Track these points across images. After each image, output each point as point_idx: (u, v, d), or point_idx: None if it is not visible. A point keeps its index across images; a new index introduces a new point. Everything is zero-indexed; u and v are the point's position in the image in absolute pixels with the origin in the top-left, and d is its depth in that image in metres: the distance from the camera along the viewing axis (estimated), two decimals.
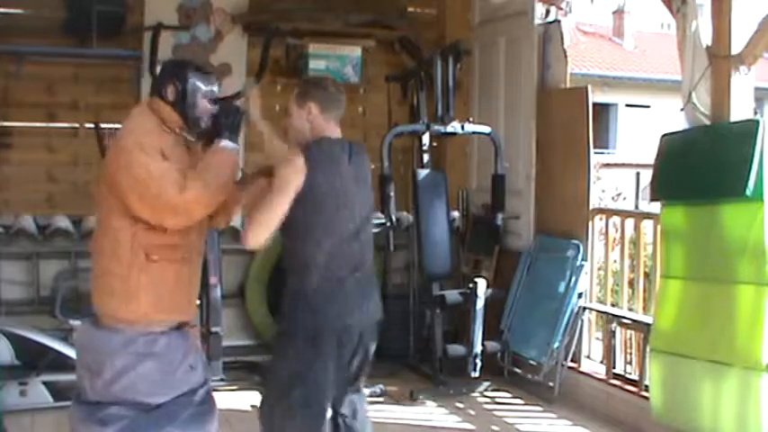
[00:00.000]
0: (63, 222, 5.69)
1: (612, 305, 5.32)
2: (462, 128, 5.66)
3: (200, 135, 2.82)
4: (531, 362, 5.41)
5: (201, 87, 2.79)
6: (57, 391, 4.68)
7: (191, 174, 2.64)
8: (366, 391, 5.19)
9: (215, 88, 2.85)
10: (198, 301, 3.00)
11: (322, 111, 3.18)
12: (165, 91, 2.76)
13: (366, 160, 3.36)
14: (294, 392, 2.98)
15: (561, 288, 5.26)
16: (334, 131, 3.23)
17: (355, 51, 6.35)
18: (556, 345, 5.18)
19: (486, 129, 5.74)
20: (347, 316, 3.09)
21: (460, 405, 5.17)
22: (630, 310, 5.05)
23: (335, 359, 3.05)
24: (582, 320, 5.24)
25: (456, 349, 5.31)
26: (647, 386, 4.55)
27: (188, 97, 2.76)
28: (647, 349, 4.49)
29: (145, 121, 2.76)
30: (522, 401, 5.26)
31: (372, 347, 3.30)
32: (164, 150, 2.67)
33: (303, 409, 2.99)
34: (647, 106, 20.55)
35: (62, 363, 4.61)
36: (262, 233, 2.94)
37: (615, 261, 5.64)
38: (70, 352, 4.56)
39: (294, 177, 2.94)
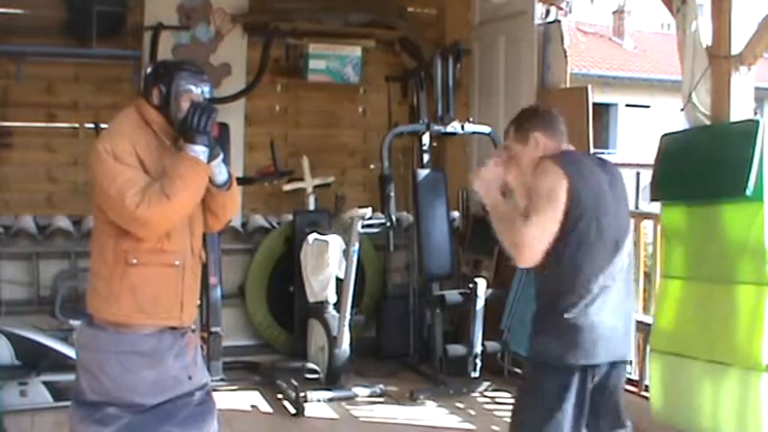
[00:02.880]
0: (63, 222, 5.69)
1: None
2: (462, 128, 5.66)
3: (174, 138, 2.72)
4: None
5: (188, 90, 2.71)
6: (57, 391, 4.68)
7: (152, 188, 2.57)
8: (366, 391, 5.24)
9: (205, 89, 2.76)
10: (198, 302, 2.96)
11: (550, 136, 3.04)
12: (151, 93, 2.73)
13: None
14: None
15: None
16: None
17: (355, 51, 6.35)
18: None
19: (486, 129, 5.74)
20: None
21: (460, 405, 5.17)
22: None
23: None
24: None
25: (456, 349, 5.31)
26: (647, 386, 4.55)
27: (172, 100, 2.70)
28: (647, 349, 4.49)
29: (127, 122, 2.72)
30: None
31: None
32: (139, 154, 2.63)
33: None
34: (647, 106, 20.56)
35: (62, 363, 4.61)
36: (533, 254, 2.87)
37: None
38: (70, 352, 4.56)
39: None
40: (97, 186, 2.63)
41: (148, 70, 2.89)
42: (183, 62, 2.89)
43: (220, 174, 2.78)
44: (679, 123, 4.45)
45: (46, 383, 4.72)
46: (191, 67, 2.80)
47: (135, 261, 2.64)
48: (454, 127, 5.63)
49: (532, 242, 2.83)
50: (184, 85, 2.71)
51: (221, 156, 2.77)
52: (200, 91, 2.74)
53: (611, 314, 2.86)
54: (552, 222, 2.78)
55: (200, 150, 2.65)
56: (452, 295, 5.41)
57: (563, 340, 2.83)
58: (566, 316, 2.84)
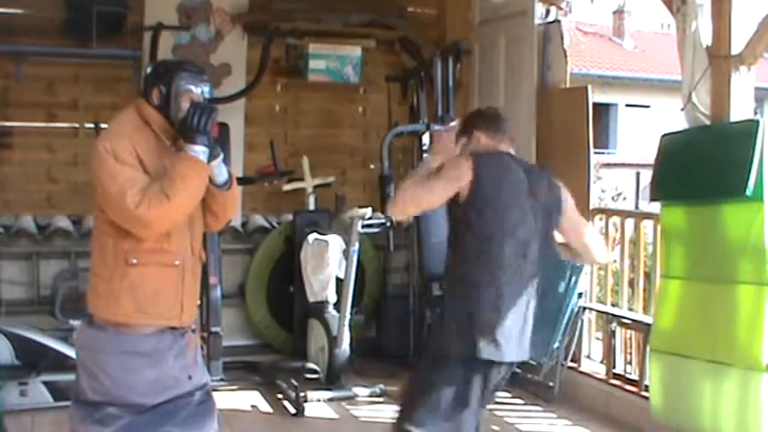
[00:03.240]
0: (63, 222, 5.69)
1: (612, 305, 5.32)
2: None
3: (174, 138, 2.71)
4: (531, 362, 5.39)
5: (187, 89, 2.70)
6: (57, 391, 4.68)
7: (152, 187, 2.56)
8: (366, 391, 5.24)
9: (205, 89, 2.74)
10: (198, 302, 2.95)
11: (491, 136, 3.25)
12: (151, 93, 2.72)
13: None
14: None
15: (561, 288, 5.25)
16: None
17: (355, 51, 6.35)
18: (556, 345, 5.17)
19: None
20: None
21: None
22: (630, 310, 5.05)
23: None
24: (582, 320, 5.24)
25: None
26: (647, 386, 4.55)
27: (172, 100, 2.69)
28: (647, 349, 4.49)
29: (127, 122, 2.72)
30: (521, 401, 5.25)
31: None
32: (140, 154, 2.62)
33: None
34: (647, 106, 20.57)
35: (62, 363, 4.61)
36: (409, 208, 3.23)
37: (615, 261, 5.64)
38: (70, 352, 4.56)
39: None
40: (98, 186, 2.63)
41: (148, 70, 2.87)
42: (184, 62, 2.88)
43: (220, 174, 2.77)
44: (679, 123, 4.45)
45: (46, 383, 4.73)
46: (191, 66, 2.79)
47: (135, 261, 2.64)
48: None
49: (410, 198, 3.12)
50: (184, 84, 2.70)
51: (221, 156, 2.75)
52: (200, 91, 2.72)
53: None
54: (436, 195, 3.08)
55: (200, 150, 2.64)
56: None
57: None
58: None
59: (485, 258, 3.05)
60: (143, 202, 2.54)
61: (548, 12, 5.72)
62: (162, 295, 2.69)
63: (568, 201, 3.29)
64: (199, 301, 2.97)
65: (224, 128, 5.63)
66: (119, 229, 2.62)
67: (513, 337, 3.06)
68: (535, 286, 3.14)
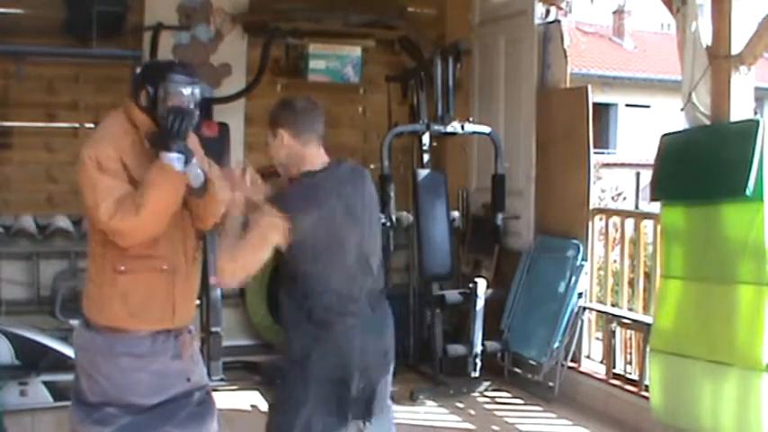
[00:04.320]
0: (63, 222, 5.68)
1: (612, 305, 5.32)
2: (462, 128, 5.66)
3: (152, 143, 2.62)
4: (531, 362, 5.41)
5: (177, 91, 2.63)
6: (57, 391, 4.68)
7: (127, 197, 2.54)
8: None
9: (196, 91, 2.67)
10: (197, 302, 2.94)
11: (294, 136, 2.80)
12: (139, 95, 2.67)
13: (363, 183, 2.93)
14: None
15: (561, 288, 5.26)
16: (317, 156, 2.85)
17: (355, 51, 6.35)
18: (556, 345, 5.18)
19: (486, 129, 5.74)
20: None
21: (460, 405, 5.17)
22: (630, 310, 5.05)
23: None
24: (582, 320, 5.24)
25: (456, 349, 5.31)
26: (647, 386, 4.55)
27: (160, 102, 2.62)
28: (647, 349, 4.49)
29: (114, 126, 2.69)
30: (522, 401, 5.26)
31: None
32: (125, 159, 2.59)
33: None
34: (647, 106, 20.56)
35: (62, 363, 4.61)
36: (239, 276, 2.74)
37: (615, 261, 5.64)
38: (70, 352, 4.53)
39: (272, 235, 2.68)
40: (81, 191, 2.62)
41: (137, 71, 2.80)
42: (173, 63, 2.82)
43: (195, 177, 2.68)
44: (679, 123, 4.45)
45: (46, 383, 4.73)
46: (180, 68, 2.71)
47: (123, 268, 2.63)
48: (454, 127, 5.63)
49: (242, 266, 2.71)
50: (173, 86, 2.63)
51: (194, 160, 2.66)
52: (189, 92, 2.65)
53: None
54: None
55: (174, 157, 2.57)
56: (452, 295, 5.41)
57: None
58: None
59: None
60: (116, 214, 2.52)
61: (548, 12, 5.72)
62: (153, 301, 2.68)
63: None
64: (198, 301, 2.97)
65: (224, 128, 5.65)
66: (105, 236, 2.61)
67: None
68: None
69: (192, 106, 2.65)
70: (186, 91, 2.65)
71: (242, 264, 2.68)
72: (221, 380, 5.31)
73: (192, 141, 2.77)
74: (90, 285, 2.72)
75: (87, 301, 2.72)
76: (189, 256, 2.79)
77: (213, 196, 2.77)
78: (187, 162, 2.61)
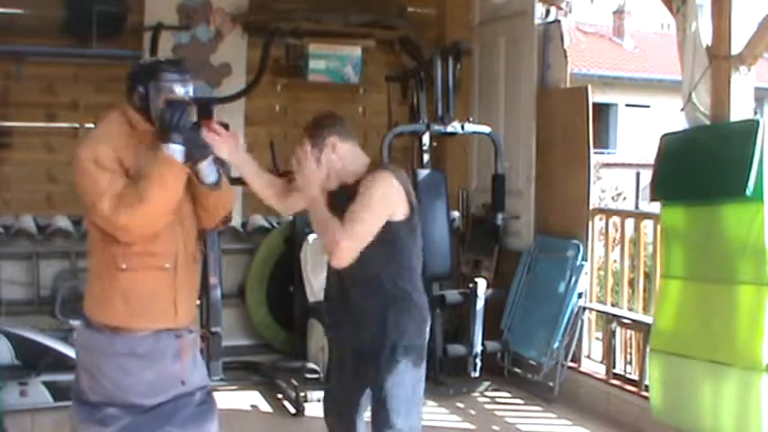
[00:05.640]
0: (63, 222, 5.69)
1: (612, 305, 5.32)
2: (462, 128, 5.66)
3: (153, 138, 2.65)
4: (531, 362, 5.41)
5: (169, 90, 2.64)
6: (57, 391, 4.68)
7: (127, 193, 2.54)
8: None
9: (189, 89, 2.69)
10: (197, 302, 2.95)
11: (343, 139, 3.02)
12: (133, 95, 2.68)
13: None
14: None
15: (561, 288, 5.26)
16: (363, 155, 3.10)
17: (355, 51, 6.36)
18: (556, 345, 5.17)
19: (486, 129, 5.74)
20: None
21: (461, 405, 5.17)
22: (630, 310, 5.05)
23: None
24: (582, 320, 5.24)
25: (456, 349, 5.31)
26: (647, 386, 4.55)
27: (151, 101, 2.64)
28: (647, 349, 4.49)
29: (111, 126, 2.69)
30: (522, 401, 5.26)
31: None
32: (123, 159, 2.60)
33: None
34: (647, 106, 20.56)
35: (62, 363, 4.61)
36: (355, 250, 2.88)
37: (615, 261, 5.64)
38: (70, 352, 4.56)
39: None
40: (79, 189, 2.61)
41: (129, 72, 2.77)
42: (163, 61, 2.80)
43: (210, 174, 2.72)
44: (679, 123, 4.45)
45: (46, 383, 4.72)
46: (171, 66, 2.72)
47: (124, 266, 2.63)
48: (454, 127, 5.63)
49: (356, 243, 2.86)
50: (164, 85, 2.64)
51: (212, 157, 2.70)
52: (182, 91, 2.67)
53: None
54: (377, 225, 2.89)
55: (175, 149, 2.58)
56: (452, 295, 5.41)
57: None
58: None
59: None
60: (118, 208, 2.52)
61: (548, 12, 5.72)
62: (154, 298, 2.68)
63: None
64: (198, 301, 2.97)
65: (224, 128, 5.64)
66: (106, 233, 2.61)
67: None
68: None
69: (186, 97, 2.67)
70: (178, 89, 2.67)
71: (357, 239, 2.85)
72: (221, 380, 5.31)
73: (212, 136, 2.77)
74: (91, 284, 2.71)
75: (89, 299, 2.72)
76: (190, 255, 2.79)
77: (227, 192, 2.83)
78: (201, 157, 2.66)
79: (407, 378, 3.01)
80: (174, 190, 2.60)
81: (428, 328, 3.11)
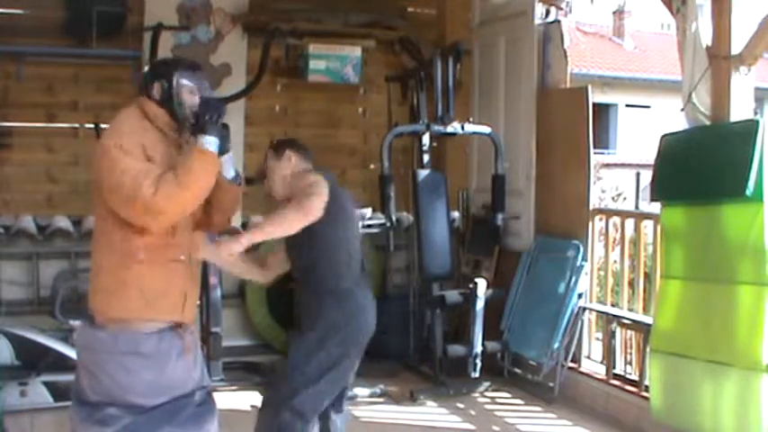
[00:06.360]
0: (63, 222, 5.69)
1: (612, 305, 5.32)
2: (462, 128, 5.66)
3: (185, 131, 2.77)
4: (531, 362, 5.41)
5: (188, 84, 2.76)
6: (57, 391, 4.68)
7: (167, 175, 2.60)
8: (366, 391, 5.24)
9: (204, 84, 2.82)
10: (198, 302, 2.96)
11: (301, 159, 3.48)
12: (152, 89, 2.75)
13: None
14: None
15: (561, 288, 5.26)
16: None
17: (355, 51, 6.35)
18: (556, 345, 5.18)
19: (486, 129, 5.74)
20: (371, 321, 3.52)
21: (461, 405, 5.17)
22: (630, 310, 5.05)
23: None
24: (582, 321, 5.24)
25: (456, 349, 5.31)
26: (647, 386, 4.55)
27: (174, 95, 2.74)
28: (647, 349, 4.49)
29: (130, 120, 2.74)
30: (522, 402, 5.26)
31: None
32: (146, 149, 2.66)
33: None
34: (647, 106, 20.55)
35: (62, 363, 4.61)
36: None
37: (615, 261, 5.64)
38: (70, 352, 4.56)
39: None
40: (107, 181, 2.62)
41: (146, 69, 2.92)
42: (181, 59, 2.94)
43: (229, 170, 2.84)
44: (679, 123, 4.45)
45: (46, 383, 4.73)
46: (189, 63, 2.86)
47: (142, 257, 2.66)
48: (454, 127, 5.63)
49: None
50: (185, 80, 2.76)
51: (230, 153, 2.82)
52: (201, 85, 2.79)
53: None
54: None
55: (212, 141, 2.68)
56: (452, 295, 5.41)
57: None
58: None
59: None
60: (159, 191, 2.56)
61: (548, 12, 5.72)
62: (168, 290, 2.72)
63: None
64: (198, 301, 2.98)
65: (224, 128, 5.64)
66: (124, 225, 2.63)
67: None
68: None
69: (208, 93, 2.81)
70: (197, 84, 2.79)
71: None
72: (221, 380, 5.31)
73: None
74: (102, 277, 2.71)
75: (98, 294, 2.71)
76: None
77: (241, 189, 2.95)
78: (223, 151, 2.76)
79: (304, 346, 3.35)
80: (209, 179, 2.68)
81: (362, 318, 3.44)
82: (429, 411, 5.10)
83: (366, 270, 3.57)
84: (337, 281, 3.37)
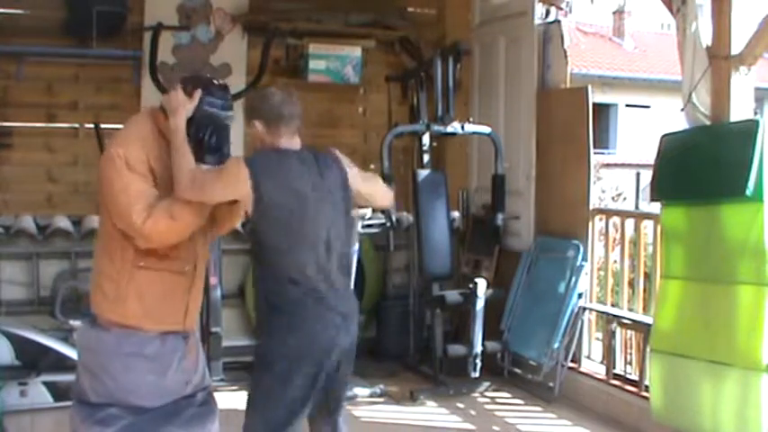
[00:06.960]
0: (63, 222, 5.68)
1: (612, 305, 5.32)
2: (462, 128, 5.66)
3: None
4: (531, 362, 5.41)
5: (212, 113, 2.75)
6: (57, 391, 4.67)
7: (160, 205, 2.59)
8: (366, 391, 5.24)
9: (229, 113, 2.81)
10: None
11: (267, 126, 2.93)
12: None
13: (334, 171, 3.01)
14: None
15: (561, 288, 5.26)
16: (289, 146, 2.94)
17: (355, 51, 6.35)
18: (556, 345, 5.17)
19: (486, 129, 5.74)
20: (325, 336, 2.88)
21: (461, 405, 5.17)
22: (630, 310, 5.05)
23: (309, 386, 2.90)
24: (582, 321, 5.24)
25: (456, 349, 5.31)
26: (647, 386, 4.55)
27: (195, 122, 2.73)
28: (647, 349, 4.49)
29: (143, 130, 2.73)
30: (522, 402, 5.26)
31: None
32: (150, 161, 2.65)
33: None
34: (647, 106, 20.55)
35: (62, 363, 4.61)
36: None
37: (615, 261, 5.64)
38: (70, 352, 4.56)
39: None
40: (107, 191, 2.63)
41: (177, 84, 2.79)
42: (211, 82, 2.85)
43: None
44: (679, 123, 4.45)
45: (46, 383, 4.72)
46: (218, 89, 2.81)
47: (143, 264, 2.65)
48: (454, 127, 5.63)
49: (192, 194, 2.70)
50: (209, 109, 2.74)
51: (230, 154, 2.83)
52: (223, 116, 2.78)
53: None
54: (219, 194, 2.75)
55: (210, 165, 2.70)
56: (452, 295, 5.41)
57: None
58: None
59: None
60: (149, 219, 2.56)
61: (548, 12, 5.72)
62: (168, 300, 2.70)
63: (351, 171, 3.05)
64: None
65: (225, 129, 5.64)
66: (125, 232, 2.63)
67: None
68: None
69: (227, 122, 2.79)
70: (220, 114, 2.78)
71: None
72: (221, 380, 5.31)
73: None
74: (103, 280, 2.71)
75: (99, 297, 2.72)
76: (201, 260, 2.82)
77: (237, 206, 2.90)
78: (222, 162, 2.76)
79: (256, 363, 2.98)
80: (200, 212, 2.68)
81: (314, 328, 2.85)
82: (429, 411, 5.10)
83: (349, 275, 3.09)
84: (280, 294, 2.84)
